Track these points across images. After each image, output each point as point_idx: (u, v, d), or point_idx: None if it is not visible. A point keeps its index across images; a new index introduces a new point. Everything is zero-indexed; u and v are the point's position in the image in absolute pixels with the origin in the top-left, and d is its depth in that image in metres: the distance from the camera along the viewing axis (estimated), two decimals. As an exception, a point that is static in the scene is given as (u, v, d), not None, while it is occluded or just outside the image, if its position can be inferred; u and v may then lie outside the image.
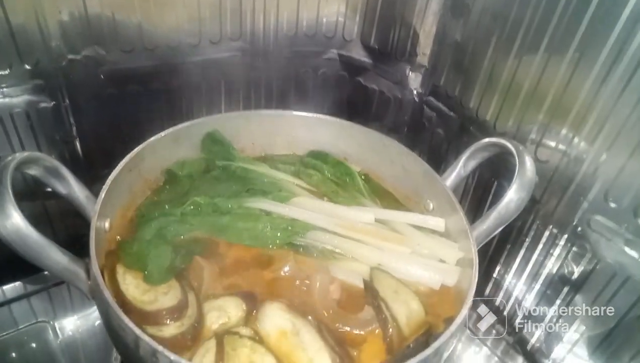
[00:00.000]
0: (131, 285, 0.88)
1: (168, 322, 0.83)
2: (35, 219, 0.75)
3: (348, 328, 0.88)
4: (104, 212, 0.91)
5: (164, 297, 0.87)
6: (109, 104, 1.24)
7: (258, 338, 0.83)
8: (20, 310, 1.15)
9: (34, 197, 1.17)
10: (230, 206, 1.03)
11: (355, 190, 1.18)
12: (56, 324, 1.13)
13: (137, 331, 0.68)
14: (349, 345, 0.86)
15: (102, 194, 0.89)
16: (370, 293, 0.92)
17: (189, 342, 0.81)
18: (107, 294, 0.74)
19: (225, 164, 1.15)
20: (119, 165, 0.96)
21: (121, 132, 1.26)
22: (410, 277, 0.97)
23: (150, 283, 0.89)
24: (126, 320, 0.70)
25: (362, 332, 0.88)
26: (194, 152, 1.16)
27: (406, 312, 0.90)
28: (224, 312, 0.86)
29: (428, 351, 0.72)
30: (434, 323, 0.90)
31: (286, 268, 0.96)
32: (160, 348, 0.66)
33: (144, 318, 0.83)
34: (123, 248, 0.95)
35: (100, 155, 1.25)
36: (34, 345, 1.09)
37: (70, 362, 1.07)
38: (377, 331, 0.88)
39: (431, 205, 1.11)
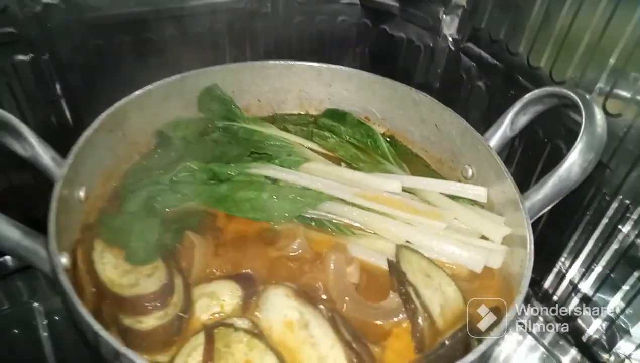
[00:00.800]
0: (109, 264, 0.74)
1: (149, 310, 0.68)
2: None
3: (368, 319, 0.72)
4: (76, 178, 0.77)
5: (147, 280, 0.72)
6: (96, 58, 1.09)
7: (257, 332, 0.68)
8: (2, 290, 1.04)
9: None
10: (229, 173, 0.87)
11: (378, 154, 1.00)
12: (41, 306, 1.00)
13: (96, 327, 0.54)
14: (370, 340, 0.70)
15: (71, 156, 0.75)
16: (396, 277, 0.76)
17: (172, 336, 0.67)
18: (64, 277, 0.59)
19: (226, 125, 0.99)
20: (92, 123, 0.81)
21: (113, 89, 1.10)
22: (446, 258, 0.80)
23: (133, 263, 0.75)
24: (83, 312, 0.55)
25: (385, 324, 0.72)
26: (190, 111, 1.00)
27: (440, 300, 0.73)
28: (217, 299, 0.71)
29: (471, 357, 0.55)
30: (475, 315, 0.73)
31: (295, 246, 0.80)
32: (122, 349, 0.52)
33: (120, 305, 0.69)
34: (103, 221, 0.81)
35: (91, 116, 1.10)
36: (15, 330, 0.96)
37: (55, 347, 0.95)
38: (404, 324, 0.72)
39: (470, 172, 0.93)
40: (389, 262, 0.78)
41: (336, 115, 1.06)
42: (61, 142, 0.80)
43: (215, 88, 1.01)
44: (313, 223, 0.85)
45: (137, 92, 0.89)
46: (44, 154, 0.74)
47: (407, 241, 0.82)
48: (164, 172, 0.89)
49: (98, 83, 1.10)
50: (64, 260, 0.69)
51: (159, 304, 0.69)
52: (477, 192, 0.87)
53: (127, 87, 0.93)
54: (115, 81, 1.07)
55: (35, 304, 1.00)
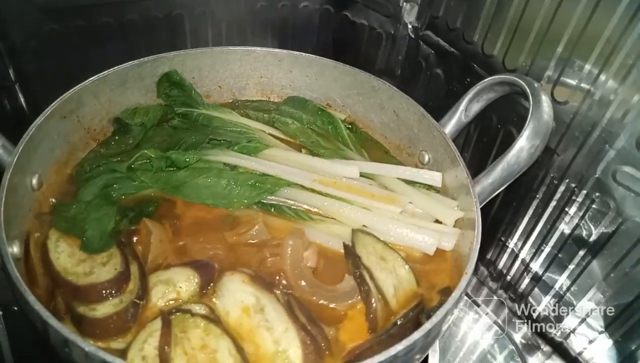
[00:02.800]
0: (64, 253, 0.74)
1: (104, 298, 0.68)
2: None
3: (324, 302, 0.74)
4: (28, 166, 0.76)
5: (102, 268, 0.72)
6: (51, 43, 1.07)
7: (214, 317, 0.69)
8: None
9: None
10: (187, 160, 0.87)
11: (338, 141, 1.02)
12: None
13: (44, 314, 0.54)
14: (325, 322, 0.72)
15: (22, 144, 0.73)
16: (351, 261, 0.78)
17: (127, 322, 0.67)
18: (11, 266, 0.59)
19: (185, 111, 0.98)
20: (45, 110, 0.79)
21: (69, 75, 1.07)
22: (401, 241, 0.83)
23: (88, 252, 0.75)
24: (31, 300, 0.55)
25: (340, 307, 0.74)
26: (148, 97, 0.99)
27: (394, 282, 0.76)
28: (173, 285, 0.71)
29: (416, 335, 0.58)
30: (428, 296, 0.76)
31: (253, 232, 0.81)
32: (71, 336, 0.52)
33: (75, 294, 0.69)
34: (58, 211, 0.80)
35: (46, 102, 1.08)
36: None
37: (11, 340, 0.93)
38: (359, 306, 0.74)
39: (426, 157, 0.95)
40: (345, 246, 0.80)
41: (297, 103, 1.07)
42: (16, 128, 0.79)
43: (175, 74, 1.00)
44: (272, 209, 0.86)
45: (92, 78, 0.88)
46: (-9, 141, 0.73)
47: (363, 225, 0.84)
48: (121, 159, 0.88)
49: (54, 68, 1.07)
50: (15, 249, 0.68)
51: (114, 292, 0.69)
52: (432, 176, 0.89)
53: (84, 73, 0.91)
54: (72, 66, 1.05)
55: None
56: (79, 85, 0.86)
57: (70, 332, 0.52)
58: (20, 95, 1.09)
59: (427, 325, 0.59)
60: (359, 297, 0.75)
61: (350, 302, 0.75)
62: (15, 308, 0.97)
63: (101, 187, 0.84)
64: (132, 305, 0.68)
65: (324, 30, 1.29)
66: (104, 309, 0.67)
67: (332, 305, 0.74)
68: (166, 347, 0.63)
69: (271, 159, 0.92)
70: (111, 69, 0.90)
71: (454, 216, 0.83)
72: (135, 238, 0.78)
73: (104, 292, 0.69)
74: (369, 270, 0.76)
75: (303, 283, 0.75)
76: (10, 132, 0.78)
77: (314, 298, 0.75)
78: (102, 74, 0.89)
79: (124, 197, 0.85)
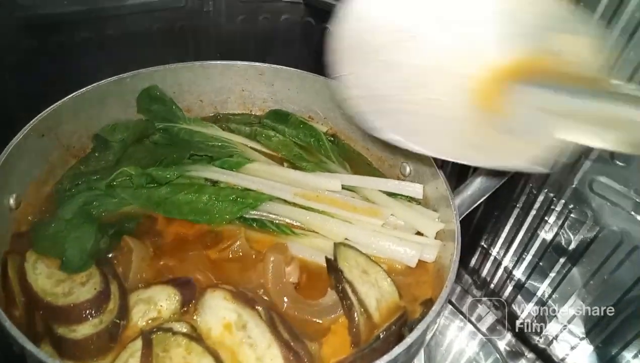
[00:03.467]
0: (42, 275, 0.73)
1: (83, 318, 0.68)
2: None
3: (307, 318, 0.74)
4: (5, 186, 0.76)
5: (81, 288, 0.71)
6: (30, 59, 1.05)
7: (195, 335, 0.68)
8: None
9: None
10: (168, 176, 0.86)
11: (321, 153, 1.02)
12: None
13: (21, 339, 0.53)
14: (308, 337, 0.71)
15: (-1, 163, 0.72)
16: (333, 275, 0.78)
17: (108, 342, 0.66)
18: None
19: (166, 126, 0.98)
20: (22, 129, 0.79)
21: (48, 91, 1.06)
22: (383, 253, 0.83)
23: (68, 272, 0.73)
24: (8, 325, 0.54)
25: (323, 321, 0.74)
26: (129, 113, 0.99)
27: (376, 295, 0.76)
28: (154, 304, 0.70)
29: (397, 349, 0.58)
30: (410, 308, 0.76)
31: (235, 247, 0.81)
32: (49, 361, 0.51)
33: (54, 314, 0.68)
34: (37, 230, 0.79)
35: (24, 119, 1.06)
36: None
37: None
38: (341, 320, 0.74)
39: (408, 169, 0.96)
40: (327, 260, 0.80)
41: (279, 116, 1.07)
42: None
43: (155, 89, 0.99)
44: (254, 224, 0.86)
45: (70, 95, 0.87)
46: (-32, 162, 0.72)
47: (346, 238, 0.84)
48: (101, 176, 0.87)
49: (32, 84, 1.06)
50: (-8, 271, 0.67)
51: (94, 312, 0.68)
52: (413, 189, 0.90)
53: (64, 89, 0.90)
54: (51, 82, 1.04)
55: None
56: (57, 102, 0.85)
57: (48, 357, 0.52)
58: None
59: (408, 340, 0.59)
60: (342, 311, 0.75)
61: (332, 316, 0.74)
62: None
63: (81, 204, 0.83)
64: (112, 325, 0.67)
65: (306, 43, 1.30)
66: (83, 330, 0.66)
67: (315, 320, 0.74)
68: (147, 368, 0.62)
69: (253, 173, 0.92)
70: (90, 86, 0.89)
71: (435, 228, 0.83)
72: (115, 257, 0.77)
73: (83, 312, 0.68)
74: (352, 283, 0.76)
75: (285, 299, 0.75)
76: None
77: (296, 313, 0.74)
78: (80, 91, 0.88)
79: (104, 214, 0.84)
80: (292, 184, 0.90)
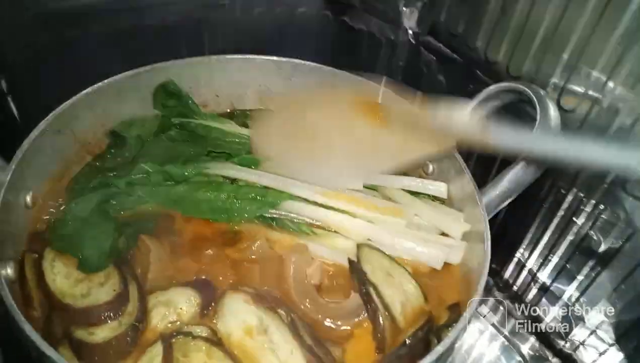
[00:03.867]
0: (60, 274, 0.71)
1: (102, 321, 0.66)
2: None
3: (329, 322, 0.72)
4: (22, 183, 0.74)
5: (99, 289, 0.70)
6: (45, 53, 1.04)
7: (216, 339, 0.66)
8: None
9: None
10: (186, 173, 0.84)
11: (340, 150, 0.99)
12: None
13: (41, 345, 0.51)
14: (331, 342, 0.70)
15: (15, 160, 0.71)
16: (357, 277, 0.76)
17: (127, 347, 0.65)
18: (6, 292, 0.56)
19: (182, 122, 0.96)
20: (38, 125, 0.77)
21: (63, 86, 1.05)
22: (407, 255, 0.80)
23: (85, 272, 0.72)
24: (27, 329, 0.52)
25: (347, 326, 0.72)
26: (145, 108, 0.96)
27: (401, 298, 0.74)
28: (174, 307, 0.69)
29: (428, 359, 0.55)
30: (436, 313, 0.74)
31: (255, 247, 0.79)
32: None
33: (72, 316, 0.67)
34: (54, 229, 0.77)
35: (40, 114, 1.05)
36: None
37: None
38: (365, 324, 0.72)
39: (431, 168, 0.93)
40: (350, 262, 0.78)
41: None
42: (9, 141, 0.77)
43: (171, 84, 0.97)
44: (274, 223, 0.84)
45: (86, 90, 0.85)
46: (-16, 159, 0.70)
47: (368, 239, 0.81)
48: (118, 173, 0.85)
49: (47, 79, 1.05)
50: (9, 271, 0.66)
51: (112, 314, 0.67)
52: (437, 187, 0.87)
53: (78, 84, 0.88)
54: (65, 77, 1.02)
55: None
56: (73, 98, 0.83)
57: (67, 363, 0.50)
58: (13, 107, 1.07)
59: (439, 348, 0.57)
60: (366, 314, 0.73)
61: (356, 320, 0.72)
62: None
63: (97, 202, 0.81)
64: (131, 328, 0.65)
65: (323, 37, 1.27)
66: (102, 333, 0.65)
67: (338, 324, 0.72)
68: (168, 374, 0.60)
69: (272, 170, 0.89)
70: (106, 80, 0.88)
71: (461, 229, 0.80)
72: (133, 257, 0.75)
73: (102, 314, 0.66)
74: (376, 286, 0.73)
75: (307, 302, 0.73)
76: (3, 146, 0.76)
77: (319, 317, 0.72)
78: (96, 85, 0.86)
79: (122, 213, 0.82)
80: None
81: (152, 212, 0.83)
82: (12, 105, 1.06)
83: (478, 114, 0.88)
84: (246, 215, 0.83)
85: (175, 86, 0.97)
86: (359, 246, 0.79)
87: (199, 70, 1.00)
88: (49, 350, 0.51)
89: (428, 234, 0.82)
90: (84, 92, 0.85)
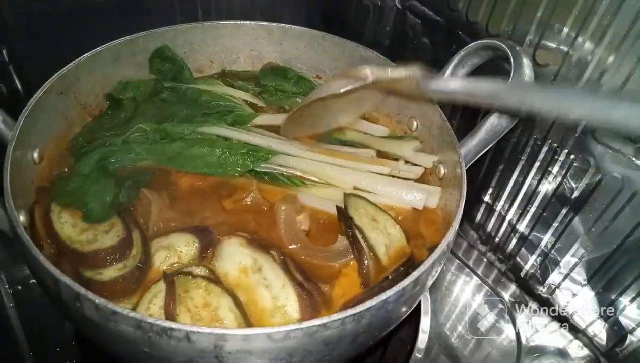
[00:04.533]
0: (67, 224, 0.77)
1: (108, 263, 0.72)
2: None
3: (319, 262, 0.78)
4: (29, 140, 0.78)
5: (105, 236, 0.75)
6: (44, 22, 1.07)
7: (214, 278, 0.72)
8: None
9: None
10: (181, 131, 0.89)
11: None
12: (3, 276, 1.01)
13: (55, 272, 0.57)
14: (321, 280, 0.75)
15: (22, 118, 0.75)
16: (344, 222, 0.81)
17: (132, 285, 0.71)
18: (22, 231, 0.62)
19: (174, 85, 1.00)
20: (42, 86, 0.81)
21: (62, 55, 1.09)
22: (390, 199, 0.86)
23: (90, 222, 0.77)
24: (42, 260, 0.58)
25: (335, 265, 0.78)
26: (141, 72, 1.01)
27: (385, 241, 0.79)
28: (174, 250, 0.74)
29: (406, 281, 0.61)
30: (417, 253, 0.79)
31: (248, 199, 0.84)
32: (82, 291, 0.55)
33: (81, 260, 0.72)
34: (57, 186, 0.82)
35: (40, 81, 1.09)
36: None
37: (22, 319, 0.96)
38: (352, 263, 0.78)
39: (415, 124, 0.98)
40: (338, 208, 0.83)
41: (277, 72, 1.08)
42: (11, 107, 0.80)
43: (166, 49, 1.01)
44: (266, 177, 0.89)
45: (86, 55, 0.89)
46: (-7, 117, 0.75)
47: (354, 187, 0.87)
48: (115, 133, 0.90)
49: (47, 48, 1.08)
50: (22, 218, 0.71)
51: (118, 257, 0.72)
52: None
53: (76, 51, 0.92)
54: (64, 46, 1.06)
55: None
56: (74, 61, 0.87)
57: (81, 287, 0.56)
58: (14, 75, 1.11)
59: (415, 273, 0.63)
60: (352, 256, 0.78)
61: (343, 260, 0.78)
62: (20, 287, 1.01)
63: (97, 160, 0.85)
64: (136, 269, 0.71)
65: (313, 3, 1.30)
66: (109, 273, 0.71)
67: (327, 264, 0.77)
68: (171, 304, 0.66)
69: (263, 126, 0.94)
70: (104, 45, 0.92)
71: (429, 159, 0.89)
72: (135, 208, 0.81)
73: (108, 257, 0.72)
74: (361, 230, 0.79)
75: (297, 245, 0.78)
76: (6, 112, 0.80)
77: (309, 258, 0.78)
78: (96, 50, 0.91)
79: (120, 169, 0.87)
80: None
81: (148, 168, 0.88)
82: (13, 74, 1.10)
83: (459, 72, 0.93)
84: (240, 169, 0.88)
85: (170, 51, 1.02)
86: (346, 195, 0.84)
87: (193, 35, 1.04)
88: (62, 277, 0.56)
89: (410, 182, 0.87)
90: (85, 55, 0.89)
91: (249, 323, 0.66)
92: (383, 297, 0.58)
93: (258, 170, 0.89)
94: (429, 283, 0.71)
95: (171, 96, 0.98)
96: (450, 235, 0.69)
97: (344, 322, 0.56)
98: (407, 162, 0.93)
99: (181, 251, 0.75)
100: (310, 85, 1.05)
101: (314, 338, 0.56)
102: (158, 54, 1.01)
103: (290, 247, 0.78)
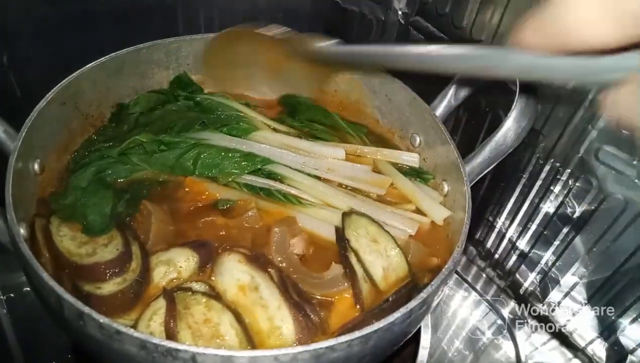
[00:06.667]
0: (66, 237, 0.76)
1: (107, 277, 0.71)
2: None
3: (308, 289, 0.75)
4: (30, 151, 0.78)
5: (104, 249, 0.75)
6: (46, 28, 1.06)
7: (214, 294, 0.71)
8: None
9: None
10: (178, 141, 0.89)
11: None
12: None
13: (59, 290, 0.56)
14: (318, 301, 0.74)
15: (24, 129, 0.75)
16: (339, 244, 0.79)
17: (132, 300, 0.70)
18: (23, 245, 0.61)
19: (187, 95, 1.00)
20: (45, 96, 0.81)
21: (63, 62, 1.08)
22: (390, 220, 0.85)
23: (92, 234, 0.77)
24: (45, 277, 0.57)
25: (327, 295, 0.75)
26: (144, 83, 1.00)
27: (383, 263, 0.77)
28: (174, 265, 0.74)
29: (413, 303, 0.61)
30: (419, 276, 0.78)
31: (247, 217, 0.83)
32: (86, 309, 0.54)
33: (79, 273, 0.72)
34: (56, 199, 0.82)
35: (41, 88, 1.08)
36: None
37: (16, 327, 0.95)
38: (346, 294, 0.75)
39: (418, 140, 0.98)
40: (337, 230, 0.81)
41: (289, 102, 1.08)
42: (10, 114, 0.79)
43: (185, 77, 1.03)
44: (262, 193, 0.87)
45: (90, 65, 0.89)
46: (-5, 127, 0.74)
47: (351, 208, 0.85)
48: (113, 144, 0.89)
49: (48, 54, 1.08)
50: (22, 230, 0.70)
51: (117, 270, 0.72)
52: (410, 158, 0.95)
53: (79, 60, 0.92)
54: (66, 53, 1.05)
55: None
56: (77, 71, 0.87)
57: (84, 306, 0.55)
58: (13, 81, 1.10)
59: (422, 294, 0.62)
60: (346, 285, 0.75)
61: (336, 289, 0.75)
62: (12, 295, 0.99)
63: (94, 173, 0.85)
64: (135, 283, 0.70)
65: (315, 17, 1.30)
66: (108, 287, 0.70)
67: (318, 294, 0.75)
68: (172, 322, 0.65)
69: (260, 141, 0.93)
70: (108, 56, 0.91)
71: (442, 214, 0.85)
72: (135, 221, 0.80)
73: (107, 271, 0.71)
74: (357, 252, 0.77)
75: (290, 270, 0.76)
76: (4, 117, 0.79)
77: (300, 285, 0.75)
78: (99, 60, 0.90)
79: (118, 181, 0.86)
80: (297, 153, 0.92)
81: (146, 179, 0.87)
82: (13, 80, 1.09)
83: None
84: (236, 171, 0.87)
85: (188, 78, 1.03)
86: (345, 214, 0.82)
87: (197, 47, 1.03)
88: (66, 294, 0.56)
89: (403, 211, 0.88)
90: (88, 66, 0.88)
91: (250, 340, 0.66)
92: (390, 318, 0.58)
93: (254, 185, 0.88)
94: (435, 303, 0.71)
95: (176, 107, 0.97)
96: (456, 255, 0.68)
97: (351, 344, 0.56)
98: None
99: (181, 266, 0.74)
100: (324, 113, 1.05)
101: (321, 360, 0.56)
102: (177, 80, 1.02)
103: (283, 270, 0.76)
